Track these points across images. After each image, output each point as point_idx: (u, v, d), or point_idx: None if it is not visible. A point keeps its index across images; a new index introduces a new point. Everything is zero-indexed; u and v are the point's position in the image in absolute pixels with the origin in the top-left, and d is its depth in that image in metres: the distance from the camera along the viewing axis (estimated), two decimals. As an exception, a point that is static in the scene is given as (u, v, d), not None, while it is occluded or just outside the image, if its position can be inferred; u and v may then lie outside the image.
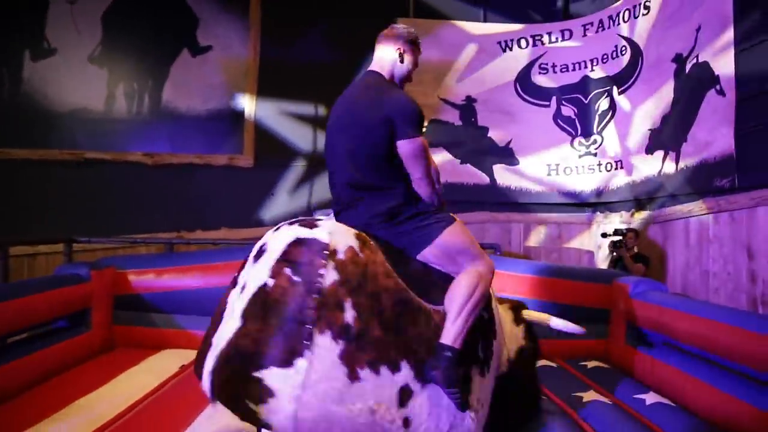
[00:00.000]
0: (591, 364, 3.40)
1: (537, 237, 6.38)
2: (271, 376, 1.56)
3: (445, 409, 1.81)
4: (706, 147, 4.47)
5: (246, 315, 1.64)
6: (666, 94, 5.18)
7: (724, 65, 4.28)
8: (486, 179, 6.34)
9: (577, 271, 4.04)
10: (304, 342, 1.60)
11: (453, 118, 6.37)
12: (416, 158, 1.98)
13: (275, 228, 1.88)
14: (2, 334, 2.78)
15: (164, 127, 5.96)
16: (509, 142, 6.36)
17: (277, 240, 1.79)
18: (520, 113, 6.38)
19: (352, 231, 1.86)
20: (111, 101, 5.91)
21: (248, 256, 1.86)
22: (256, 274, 1.72)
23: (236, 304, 1.71)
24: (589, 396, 2.77)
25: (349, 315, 1.67)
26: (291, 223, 1.86)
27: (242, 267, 1.86)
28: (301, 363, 1.58)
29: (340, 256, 1.73)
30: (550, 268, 3.82)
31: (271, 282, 1.66)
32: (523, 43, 6.42)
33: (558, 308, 3.57)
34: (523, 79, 6.40)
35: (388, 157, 1.97)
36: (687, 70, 4.86)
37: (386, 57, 2.15)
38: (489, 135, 6.36)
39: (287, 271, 1.68)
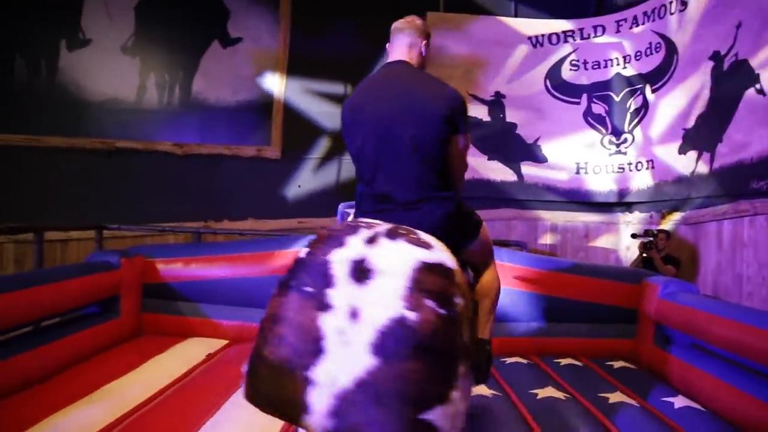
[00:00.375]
0: (617, 364, 3.34)
1: (564, 235, 6.31)
2: (438, 415, 1.47)
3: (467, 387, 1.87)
4: (743, 148, 4.36)
5: (383, 352, 1.48)
6: (701, 92, 5.06)
7: (766, 63, 4.16)
8: (513, 176, 6.28)
9: (604, 269, 3.98)
10: (457, 374, 1.54)
11: (481, 114, 6.33)
12: (464, 155, 1.95)
13: (366, 239, 1.64)
14: (38, 317, 2.85)
15: (194, 118, 6.03)
16: (537, 139, 6.29)
17: (390, 260, 1.59)
18: (549, 110, 6.30)
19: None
20: (142, 91, 5.99)
21: (317, 264, 1.61)
22: (378, 302, 1.53)
23: (350, 335, 1.51)
24: (616, 397, 2.72)
25: (466, 335, 1.62)
26: (392, 237, 1.64)
27: (311, 277, 1.60)
28: (454, 394, 1.51)
29: (458, 278, 1.64)
30: (576, 266, 3.77)
31: (413, 315, 1.50)
32: (554, 38, 6.33)
33: (584, 306, 3.53)
34: (554, 76, 6.32)
35: (447, 151, 1.90)
36: (725, 68, 4.74)
37: (413, 48, 2.08)
38: (517, 132, 6.30)
39: (430, 303, 1.52)
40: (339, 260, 1.58)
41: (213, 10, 6.10)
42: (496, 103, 6.33)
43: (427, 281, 1.54)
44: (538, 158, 6.28)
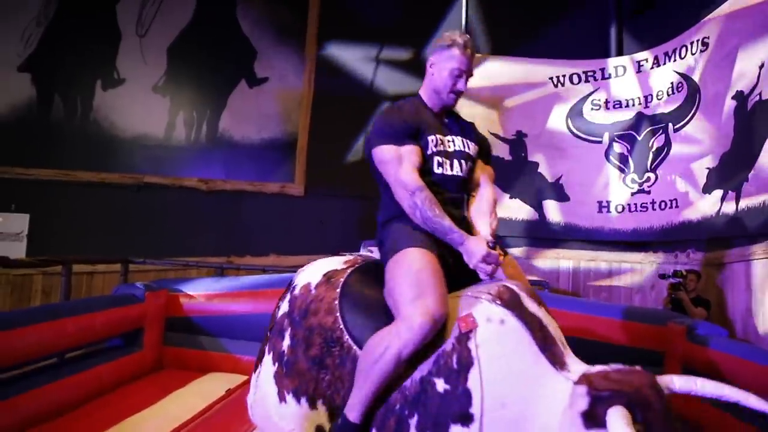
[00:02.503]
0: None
1: (586, 275, 6.22)
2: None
3: None
4: (770, 187, 4.30)
5: None
6: (725, 131, 5.03)
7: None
8: (535, 215, 6.26)
9: (628, 309, 3.90)
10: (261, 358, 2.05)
11: (503, 153, 6.36)
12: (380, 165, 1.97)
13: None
14: (64, 348, 2.89)
15: (219, 155, 6.18)
16: (559, 178, 6.28)
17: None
18: (570, 149, 6.31)
19: (325, 269, 2.03)
20: (171, 129, 6.18)
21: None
22: None
23: None
24: (643, 444, 2.64)
25: (285, 344, 1.89)
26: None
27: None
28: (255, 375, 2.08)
29: (295, 292, 2.02)
30: (599, 306, 3.71)
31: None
32: (575, 78, 6.38)
33: (607, 348, 3.46)
34: (575, 115, 6.35)
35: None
36: (748, 108, 4.72)
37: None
38: (539, 170, 6.30)
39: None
40: None
41: (241, 51, 6.31)
42: (518, 142, 6.37)
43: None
44: (560, 197, 6.26)
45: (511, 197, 6.29)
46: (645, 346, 3.44)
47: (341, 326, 1.78)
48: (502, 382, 1.41)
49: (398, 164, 1.89)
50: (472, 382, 1.44)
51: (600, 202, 6.19)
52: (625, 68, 6.24)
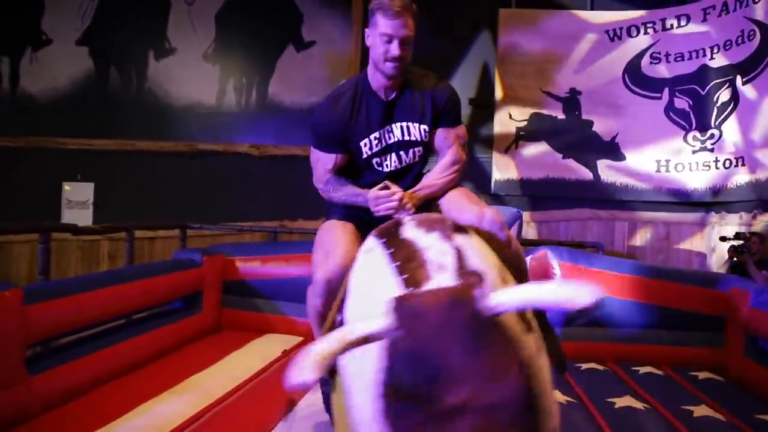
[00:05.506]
0: (702, 374, 3.17)
1: (643, 237, 6.04)
2: None
3: None
4: None
5: None
6: (800, 83, 4.70)
7: None
8: (589, 175, 6.08)
9: (687, 273, 3.78)
10: None
11: (556, 111, 6.16)
12: None
13: None
14: (130, 311, 3.06)
15: (270, 120, 6.25)
16: (615, 137, 6.06)
17: None
18: (627, 106, 6.05)
19: None
20: (222, 96, 6.28)
21: None
22: None
23: None
24: (701, 410, 2.58)
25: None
26: None
27: None
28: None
29: None
30: (657, 270, 3.60)
31: None
32: (633, 30, 6.06)
33: (665, 312, 3.37)
34: (633, 70, 6.05)
35: None
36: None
37: None
38: (593, 129, 6.09)
39: None
40: None
41: (288, 15, 6.29)
42: (571, 100, 6.14)
43: None
44: (615, 156, 6.05)
45: (563, 157, 6.11)
46: (704, 311, 3.35)
47: None
48: (358, 305, 1.45)
49: (315, 168, 2.08)
50: (346, 309, 1.50)
51: (658, 161, 5.95)
52: (688, 17, 5.87)
